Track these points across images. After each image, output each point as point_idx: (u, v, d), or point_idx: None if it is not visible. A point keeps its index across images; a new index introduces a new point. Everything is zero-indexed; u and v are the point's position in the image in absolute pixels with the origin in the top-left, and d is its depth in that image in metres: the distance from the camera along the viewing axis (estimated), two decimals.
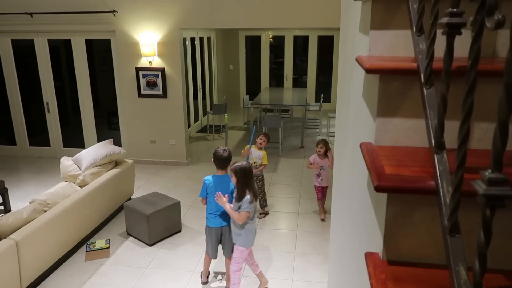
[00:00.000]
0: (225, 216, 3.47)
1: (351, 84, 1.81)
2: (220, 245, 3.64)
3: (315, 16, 5.89)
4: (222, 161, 3.47)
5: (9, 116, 7.39)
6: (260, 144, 5.02)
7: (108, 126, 7.45)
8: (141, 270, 4.00)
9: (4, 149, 7.59)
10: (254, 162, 4.96)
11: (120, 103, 7.01)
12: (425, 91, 1.02)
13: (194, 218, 5.00)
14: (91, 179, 4.61)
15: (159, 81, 6.57)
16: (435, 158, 0.91)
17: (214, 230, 3.53)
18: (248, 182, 3.21)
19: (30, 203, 3.95)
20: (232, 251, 3.52)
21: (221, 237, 3.58)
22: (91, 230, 4.54)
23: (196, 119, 9.46)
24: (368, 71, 1.10)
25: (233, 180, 3.25)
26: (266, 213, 5.15)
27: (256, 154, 4.99)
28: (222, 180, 3.48)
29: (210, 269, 3.86)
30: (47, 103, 7.22)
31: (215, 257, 3.67)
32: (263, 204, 5.14)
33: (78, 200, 4.19)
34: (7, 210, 4.96)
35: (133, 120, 6.89)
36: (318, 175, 4.92)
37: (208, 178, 3.51)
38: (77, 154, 4.92)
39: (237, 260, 3.40)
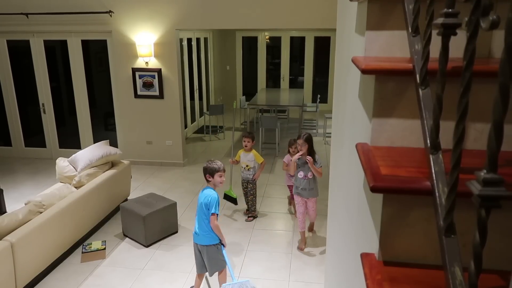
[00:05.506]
0: (203, 235, 3.41)
1: (347, 85, 1.81)
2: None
3: (312, 17, 5.90)
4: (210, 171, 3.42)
5: (5, 117, 7.35)
6: (246, 146, 4.85)
7: (104, 127, 7.42)
8: (138, 271, 3.99)
9: None
10: (247, 165, 4.87)
11: (116, 103, 6.98)
12: (420, 91, 1.02)
13: (190, 219, 4.98)
14: (87, 180, 4.59)
15: (156, 82, 6.56)
16: (431, 158, 0.91)
17: (195, 245, 3.50)
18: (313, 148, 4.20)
19: (25, 204, 3.93)
20: (215, 270, 3.46)
21: (201, 255, 3.51)
22: (87, 232, 4.52)
23: (193, 120, 9.45)
24: (364, 71, 1.10)
25: (305, 148, 4.08)
26: (254, 216, 5.07)
27: (247, 158, 4.88)
28: (202, 193, 3.44)
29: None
30: (43, 104, 7.19)
31: (199, 272, 3.56)
32: (252, 208, 5.03)
33: (74, 201, 4.17)
34: (2, 211, 4.92)
35: (130, 121, 6.87)
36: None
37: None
38: (73, 155, 4.90)
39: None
